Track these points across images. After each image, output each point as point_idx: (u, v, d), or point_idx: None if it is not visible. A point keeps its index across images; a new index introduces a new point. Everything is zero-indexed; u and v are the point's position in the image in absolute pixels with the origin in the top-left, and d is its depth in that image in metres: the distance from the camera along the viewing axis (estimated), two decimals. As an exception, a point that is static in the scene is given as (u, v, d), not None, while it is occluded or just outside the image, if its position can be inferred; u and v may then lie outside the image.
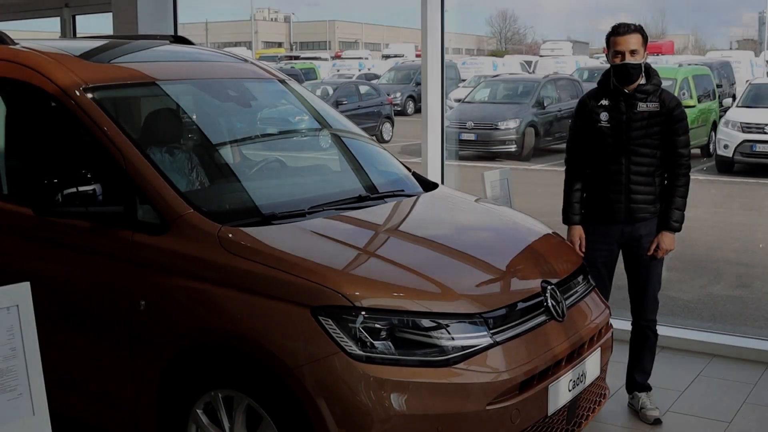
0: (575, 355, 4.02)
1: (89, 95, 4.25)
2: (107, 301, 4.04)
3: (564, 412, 3.97)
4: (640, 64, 4.83)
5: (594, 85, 5.13)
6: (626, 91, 4.88)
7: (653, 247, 4.96)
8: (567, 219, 5.14)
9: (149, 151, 4.18)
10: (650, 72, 4.93)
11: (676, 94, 16.23)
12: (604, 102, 4.95)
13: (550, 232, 4.78)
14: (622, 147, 4.90)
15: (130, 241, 3.94)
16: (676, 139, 4.90)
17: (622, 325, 5.28)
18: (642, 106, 4.87)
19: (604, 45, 4.97)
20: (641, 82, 4.89)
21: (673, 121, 4.88)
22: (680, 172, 4.93)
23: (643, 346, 5.15)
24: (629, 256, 5.07)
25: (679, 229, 4.98)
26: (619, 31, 4.83)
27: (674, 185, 4.94)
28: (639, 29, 4.84)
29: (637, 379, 5.17)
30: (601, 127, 4.94)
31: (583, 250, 5.01)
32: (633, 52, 4.79)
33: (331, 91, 22.86)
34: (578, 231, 5.07)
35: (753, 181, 14.85)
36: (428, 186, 5.07)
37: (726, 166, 15.16)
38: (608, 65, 5.00)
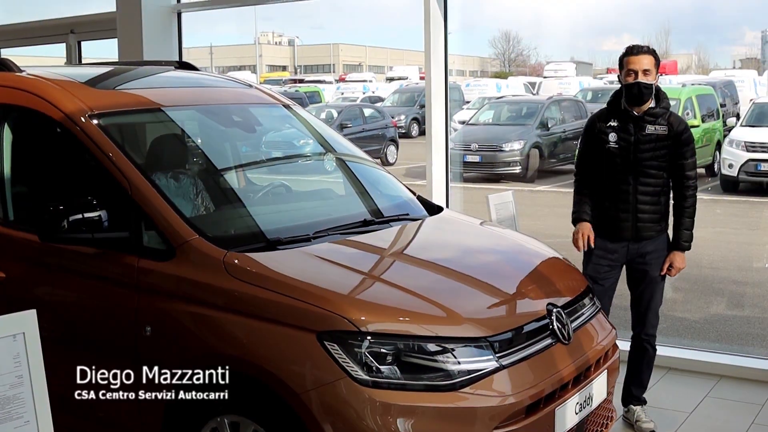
0: (582, 377, 4.01)
1: (95, 122, 4.27)
2: (113, 327, 4.04)
3: (571, 436, 3.96)
4: (651, 85, 4.88)
5: (598, 105, 5.16)
6: (635, 113, 4.93)
7: (666, 266, 5.03)
8: (577, 218, 5.16)
9: (155, 177, 4.20)
10: (660, 95, 4.99)
11: (680, 114, 16.21)
12: (613, 123, 5.00)
13: (555, 254, 4.78)
14: (630, 168, 4.95)
15: (135, 267, 3.94)
16: (684, 163, 4.97)
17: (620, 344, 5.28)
18: (650, 129, 4.93)
19: (617, 67, 5.04)
20: (651, 105, 4.94)
21: (680, 145, 4.94)
22: (687, 194, 4.99)
23: (641, 360, 5.17)
24: (634, 272, 5.11)
25: (689, 248, 5.05)
26: (633, 51, 4.91)
27: (682, 206, 5.01)
28: (652, 52, 4.92)
29: (634, 393, 5.21)
30: (610, 148, 4.99)
31: (592, 245, 5.05)
32: (646, 72, 4.85)
33: (335, 114, 22.86)
34: (587, 227, 5.09)
35: (758, 201, 14.81)
36: (433, 209, 5.07)
37: (731, 186, 15.13)
38: (616, 87, 5.05)
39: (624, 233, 5.02)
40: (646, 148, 4.93)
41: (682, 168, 4.97)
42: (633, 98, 4.92)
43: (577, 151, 5.38)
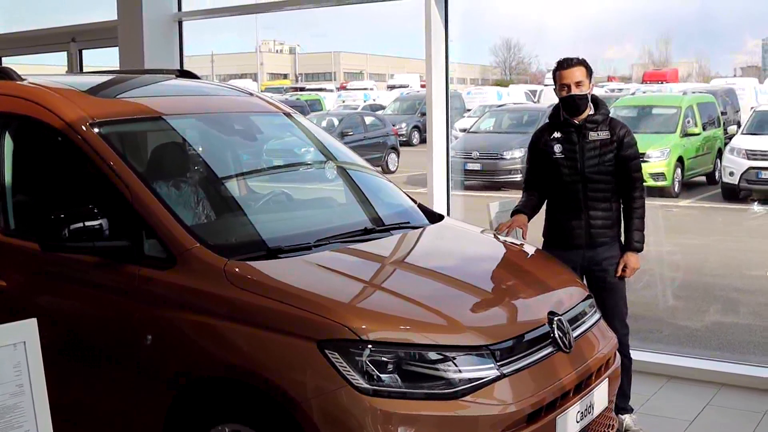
0: (583, 386, 4.00)
1: (96, 130, 4.28)
2: (114, 336, 4.04)
3: (572, 444, 3.95)
4: (585, 95, 5.02)
5: None
6: (576, 122, 5.05)
7: (620, 267, 5.08)
8: (515, 210, 5.25)
9: (155, 186, 4.20)
10: (598, 102, 5.14)
11: (680, 122, 16.21)
12: (557, 135, 5.13)
13: (556, 262, 4.78)
14: (578, 175, 5.06)
15: (136, 275, 3.94)
16: (629, 164, 5.08)
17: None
18: (593, 135, 5.05)
19: (552, 81, 5.14)
20: (590, 113, 5.06)
21: (624, 147, 5.06)
22: (636, 195, 5.10)
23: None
24: (592, 279, 5.14)
25: (641, 249, 5.12)
26: (563, 65, 5.03)
27: (632, 208, 5.11)
28: (582, 62, 5.05)
29: (619, 404, 5.19)
30: (556, 158, 5.09)
31: (524, 238, 5.13)
32: (578, 84, 4.99)
33: (336, 122, 22.85)
34: (521, 219, 5.17)
35: (759, 208, 14.79)
36: (434, 218, 5.08)
37: (731, 194, 15.12)
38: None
39: (577, 241, 5.09)
40: (592, 155, 5.03)
41: (629, 170, 5.08)
42: (569, 110, 5.06)
43: (524, 168, 5.44)
